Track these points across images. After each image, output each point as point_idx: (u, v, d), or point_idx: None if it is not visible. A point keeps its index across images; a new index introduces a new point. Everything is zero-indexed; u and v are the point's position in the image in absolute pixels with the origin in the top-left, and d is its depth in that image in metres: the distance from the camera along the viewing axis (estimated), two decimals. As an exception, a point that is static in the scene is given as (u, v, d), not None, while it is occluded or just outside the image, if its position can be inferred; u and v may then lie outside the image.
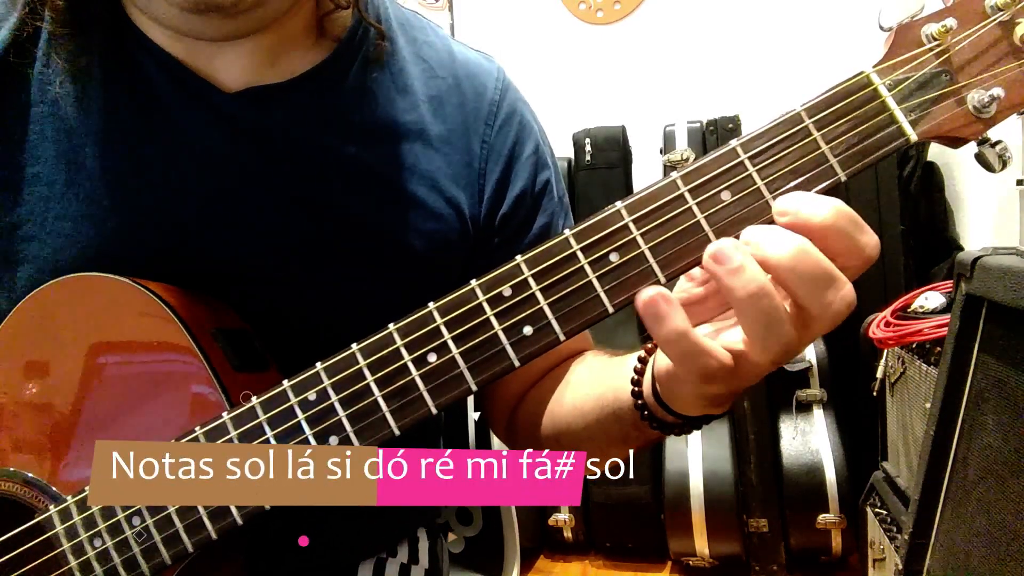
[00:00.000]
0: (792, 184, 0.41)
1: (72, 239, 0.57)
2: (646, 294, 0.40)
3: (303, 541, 0.59)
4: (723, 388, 0.42)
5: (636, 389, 0.50)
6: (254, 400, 0.48)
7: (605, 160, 2.27)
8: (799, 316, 0.40)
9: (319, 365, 0.47)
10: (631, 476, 1.97)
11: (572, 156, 2.31)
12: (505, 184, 0.67)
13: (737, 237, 0.40)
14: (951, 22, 0.41)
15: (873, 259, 0.40)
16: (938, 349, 1.16)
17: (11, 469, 0.54)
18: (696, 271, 0.44)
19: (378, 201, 0.62)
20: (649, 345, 0.50)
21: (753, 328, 0.39)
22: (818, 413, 1.91)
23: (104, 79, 0.58)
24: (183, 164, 0.58)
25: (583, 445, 0.60)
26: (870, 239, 0.39)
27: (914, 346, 1.28)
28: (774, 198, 0.41)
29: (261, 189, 0.60)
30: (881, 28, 0.43)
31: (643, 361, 0.50)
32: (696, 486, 1.89)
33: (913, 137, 0.41)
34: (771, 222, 0.40)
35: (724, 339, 0.42)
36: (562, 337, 0.43)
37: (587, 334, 0.71)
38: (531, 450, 0.67)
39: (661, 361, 0.45)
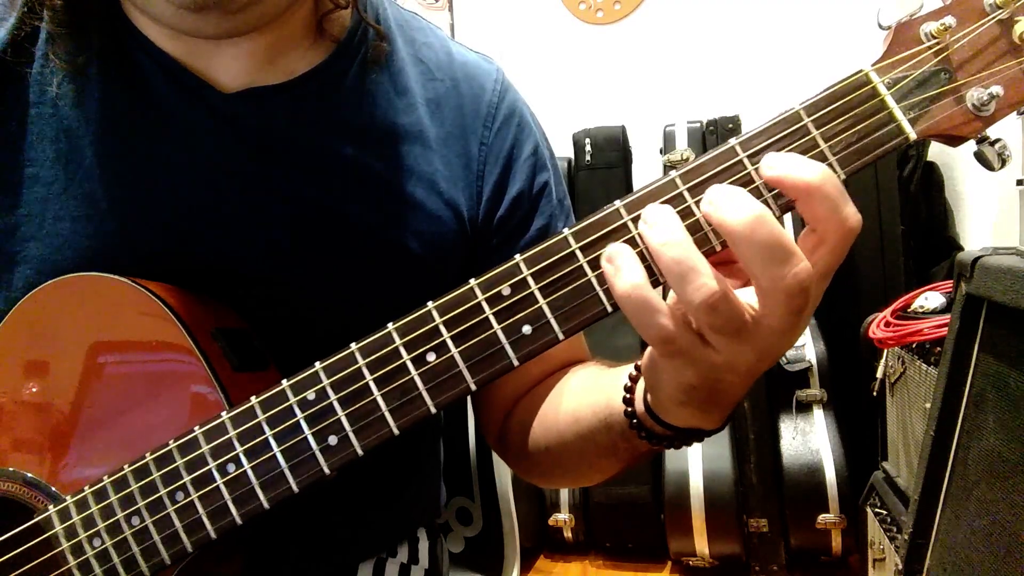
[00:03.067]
0: None
1: (70, 240, 0.57)
2: (609, 249, 0.41)
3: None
4: (694, 373, 0.41)
5: (628, 396, 0.50)
6: (253, 400, 0.48)
7: (605, 160, 2.27)
8: (755, 288, 0.39)
9: (318, 365, 0.47)
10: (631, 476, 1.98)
11: (572, 156, 2.31)
12: (503, 186, 0.67)
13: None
14: (950, 20, 0.41)
15: (854, 232, 0.39)
16: (938, 349, 1.16)
17: (10, 469, 0.54)
18: None
19: (376, 203, 0.62)
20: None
21: (672, 283, 0.39)
22: (818, 413, 1.91)
23: (102, 79, 0.58)
24: (181, 164, 0.58)
25: (572, 455, 0.59)
26: (853, 212, 0.39)
27: (914, 346, 1.28)
28: (773, 198, 0.41)
29: (260, 190, 0.59)
30: (880, 26, 0.43)
31: (639, 369, 0.50)
32: (696, 486, 1.89)
33: (912, 135, 0.41)
34: None
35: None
36: (561, 336, 0.43)
37: (584, 345, 0.71)
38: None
39: (647, 356, 0.45)
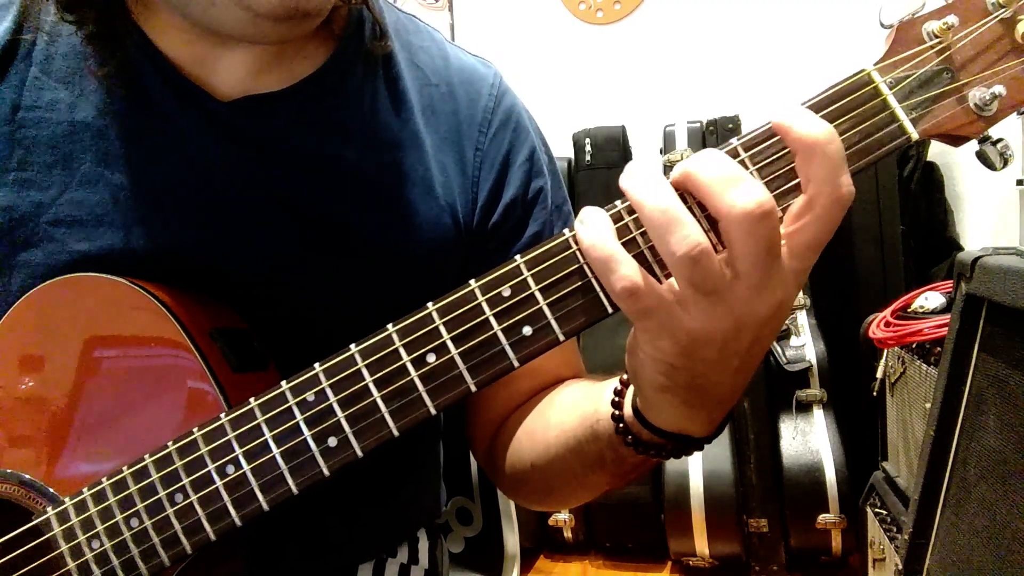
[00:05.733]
0: (792, 183, 0.41)
1: (66, 245, 0.56)
2: (584, 210, 0.41)
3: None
4: (670, 343, 0.40)
5: (616, 400, 0.49)
6: (252, 401, 0.47)
7: (605, 160, 2.27)
8: (721, 231, 0.38)
9: (318, 366, 0.46)
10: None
11: (572, 156, 2.31)
12: (498, 192, 0.66)
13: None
14: (952, 19, 0.41)
15: (844, 202, 0.38)
16: (938, 349, 1.16)
17: (8, 471, 0.54)
18: None
19: (374, 206, 0.62)
20: None
21: (654, 235, 0.39)
22: (818, 413, 1.91)
23: (101, 84, 0.58)
24: (179, 171, 0.58)
25: (558, 469, 0.58)
26: (849, 182, 0.38)
27: (914, 346, 1.28)
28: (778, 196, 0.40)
29: (258, 195, 0.59)
30: (882, 26, 0.43)
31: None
32: (696, 486, 1.89)
33: (914, 135, 0.41)
34: None
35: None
36: (561, 337, 0.43)
37: (579, 360, 0.70)
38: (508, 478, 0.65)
39: (629, 335, 0.44)
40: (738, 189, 0.37)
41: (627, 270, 0.39)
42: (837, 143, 0.38)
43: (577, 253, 0.42)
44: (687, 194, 0.40)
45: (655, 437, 0.47)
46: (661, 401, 0.44)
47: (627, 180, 0.40)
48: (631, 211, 0.41)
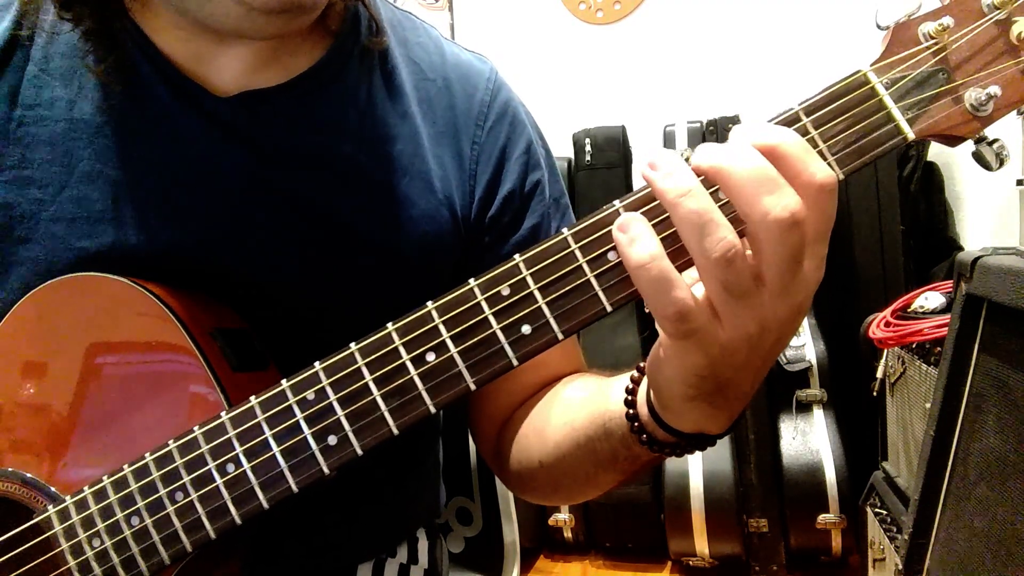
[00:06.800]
0: None
1: (65, 242, 0.57)
2: (622, 217, 0.39)
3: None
4: (702, 357, 0.40)
5: (630, 398, 0.49)
6: (253, 400, 0.48)
7: (605, 160, 2.27)
8: (748, 234, 0.38)
9: (317, 365, 0.47)
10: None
11: (572, 156, 2.32)
12: (495, 185, 0.67)
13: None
14: (948, 21, 0.41)
15: (825, 188, 0.38)
16: (938, 349, 1.16)
17: (9, 469, 0.54)
18: None
19: (373, 202, 0.62)
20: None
21: (688, 236, 0.38)
22: (818, 413, 1.91)
23: (100, 82, 0.58)
24: (177, 168, 0.58)
25: (567, 467, 0.58)
26: (821, 168, 0.38)
27: (914, 346, 1.28)
28: None
29: (257, 192, 0.59)
30: (878, 27, 0.43)
31: (641, 371, 0.49)
32: (696, 486, 1.89)
33: (910, 136, 0.41)
34: None
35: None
36: (560, 336, 0.43)
37: (581, 357, 0.70)
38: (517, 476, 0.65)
39: (652, 350, 0.44)
40: (773, 197, 0.36)
41: (682, 292, 0.38)
42: (792, 137, 0.38)
43: (576, 252, 0.42)
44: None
45: (671, 436, 0.47)
46: (688, 409, 0.45)
47: (654, 174, 0.39)
48: (628, 210, 0.41)
